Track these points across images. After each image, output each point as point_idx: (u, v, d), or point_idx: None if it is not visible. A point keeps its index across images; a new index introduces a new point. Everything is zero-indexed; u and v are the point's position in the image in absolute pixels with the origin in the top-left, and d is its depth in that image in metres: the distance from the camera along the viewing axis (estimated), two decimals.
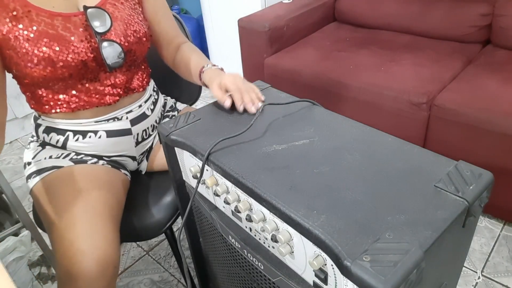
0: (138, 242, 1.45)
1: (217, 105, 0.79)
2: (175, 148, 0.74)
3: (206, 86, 0.85)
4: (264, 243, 0.61)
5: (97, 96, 0.83)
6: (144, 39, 0.85)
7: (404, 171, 0.56)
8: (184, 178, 0.78)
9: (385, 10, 1.82)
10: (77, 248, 0.71)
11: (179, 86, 1.16)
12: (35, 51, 0.72)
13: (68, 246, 0.72)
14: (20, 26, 0.71)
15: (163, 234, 0.96)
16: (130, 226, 0.89)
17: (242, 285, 0.74)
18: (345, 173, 0.57)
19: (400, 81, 1.41)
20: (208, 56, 2.51)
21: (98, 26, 0.77)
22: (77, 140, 0.87)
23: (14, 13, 0.70)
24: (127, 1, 0.84)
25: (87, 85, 0.81)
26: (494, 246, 1.31)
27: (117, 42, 0.80)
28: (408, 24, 1.77)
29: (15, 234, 1.18)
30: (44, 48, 0.72)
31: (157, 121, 0.99)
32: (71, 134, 0.86)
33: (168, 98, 1.07)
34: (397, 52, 1.62)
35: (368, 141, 0.63)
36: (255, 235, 0.62)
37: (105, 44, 0.78)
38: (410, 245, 0.45)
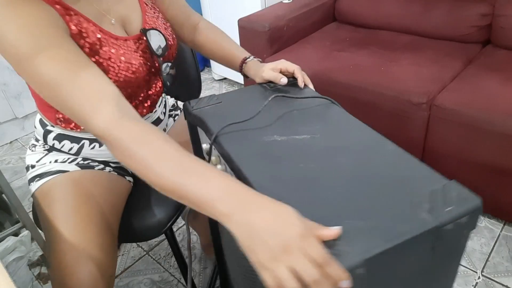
0: (138, 242, 1.45)
1: (241, 92, 0.81)
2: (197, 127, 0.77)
3: (244, 74, 0.90)
4: None
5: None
6: (175, 40, 0.86)
7: (389, 180, 0.55)
8: (204, 155, 0.81)
9: (385, 10, 1.82)
10: (71, 259, 0.70)
11: (178, 84, 1.15)
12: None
13: (62, 257, 0.71)
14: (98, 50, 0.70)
15: (163, 234, 0.96)
16: (130, 227, 0.89)
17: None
18: (329, 173, 0.57)
19: (400, 81, 1.41)
20: None
21: (157, 48, 0.79)
22: (93, 148, 0.85)
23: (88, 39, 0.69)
24: (155, 10, 0.84)
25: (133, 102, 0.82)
26: (494, 246, 1.31)
27: (171, 62, 0.83)
28: (408, 24, 1.77)
29: (15, 234, 1.18)
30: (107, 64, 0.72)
31: (167, 124, 0.99)
32: (87, 142, 0.84)
33: (168, 97, 1.06)
34: (397, 52, 1.62)
35: (368, 146, 0.62)
36: None
37: (164, 65, 0.81)
38: (350, 248, 0.45)
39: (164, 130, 0.97)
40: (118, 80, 0.73)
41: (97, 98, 0.57)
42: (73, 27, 0.66)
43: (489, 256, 1.28)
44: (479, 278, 1.21)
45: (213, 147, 0.68)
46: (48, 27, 0.60)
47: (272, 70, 0.82)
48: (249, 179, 0.57)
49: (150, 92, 0.84)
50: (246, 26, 1.75)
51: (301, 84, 0.81)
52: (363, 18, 1.90)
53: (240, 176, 0.60)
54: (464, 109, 1.25)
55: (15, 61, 0.58)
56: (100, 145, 0.85)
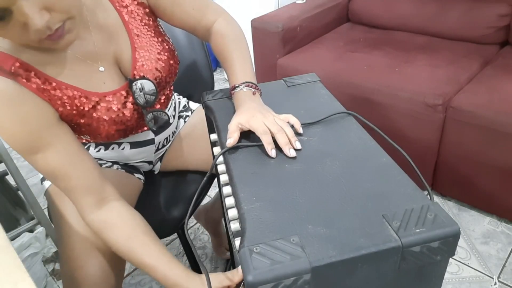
0: None
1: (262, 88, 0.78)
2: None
3: None
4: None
5: (138, 130, 0.85)
6: (172, 61, 0.81)
7: (369, 192, 0.53)
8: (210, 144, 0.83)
9: (400, 11, 1.80)
10: (81, 252, 0.72)
11: (191, 84, 1.16)
12: (94, 131, 0.75)
13: (72, 250, 0.72)
14: (80, 120, 0.72)
15: (175, 233, 0.97)
16: None
17: None
18: (311, 176, 0.57)
19: (415, 82, 1.39)
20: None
21: (144, 97, 0.77)
22: (98, 151, 0.87)
23: (74, 106, 0.70)
24: (149, 30, 0.78)
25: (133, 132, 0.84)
26: (511, 251, 1.28)
27: (162, 111, 0.82)
28: (424, 25, 1.74)
29: (30, 230, 1.20)
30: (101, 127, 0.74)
31: (176, 127, 0.99)
32: (92, 144, 0.86)
33: (181, 97, 1.06)
34: (412, 53, 1.60)
35: (361, 155, 0.61)
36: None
37: (150, 115, 0.80)
38: (302, 253, 0.45)
39: (174, 133, 0.97)
40: (109, 133, 0.75)
41: (80, 193, 0.68)
42: (60, 109, 0.69)
43: (506, 261, 1.25)
44: (495, 284, 1.18)
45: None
46: (42, 128, 0.64)
47: (238, 124, 0.66)
48: (232, 171, 0.60)
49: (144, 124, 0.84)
50: (259, 27, 1.75)
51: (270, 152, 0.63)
52: (377, 18, 1.88)
53: (227, 167, 0.62)
54: (481, 111, 1.23)
55: (16, 150, 0.65)
56: (106, 149, 0.86)
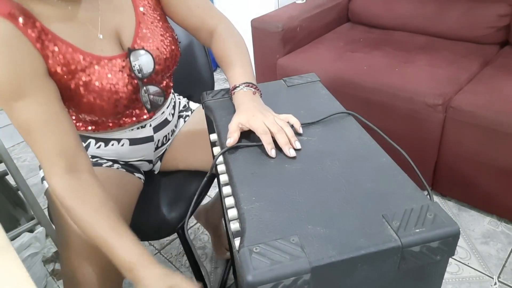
0: (149, 241, 1.46)
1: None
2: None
3: None
4: None
5: (133, 118, 0.85)
6: (174, 47, 0.82)
7: (368, 192, 0.53)
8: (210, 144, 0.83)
9: (400, 11, 1.80)
10: (81, 252, 0.71)
11: (191, 84, 1.16)
12: (84, 98, 0.73)
13: (72, 250, 0.72)
14: (73, 76, 0.70)
15: (175, 233, 0.97)
16: (142, 226, 0.89)
17: None
18: (311, 176, 0.57)
19: (415, 82, 1.39)
20: None
21: (141, 69, 0.76)
22: (98, 147, 0.87)
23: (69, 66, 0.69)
24: (154, 13, 0.80)
25: (127, 112, 0.82)
26: (511, 251, 1.28)
27: (159, 87, 0.81)
28: (424, 25, 1.74)
29: (30, 230, 1.20)
30: (93, 94, 0.73)
31: (176, 126, 0.99)
32: (93, 141, 0.86)
33: (181, 97, 1.06)
34: (412, 53, 1.60)
35: (361, 156, 0.61)
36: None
37: (145, 88, 0.79)
38: (302, 253, 0.45)
39: (173, 131, 0.97)
40: (98, 103, 0.73)
41: (50, 154, 0.65)
42: (50, 61, 0.67)
43: (506, 261, 1.25)
44: (495, 284, 1.18)
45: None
46: (28, 76, 0.63)
47: (238, 124, 0.66)
48: (232, 171, 0.60)
49: (139, 106, 0.83)
50: (259, 27, 1.75)
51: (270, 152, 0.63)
52: (377, 18, 1.88)
53: (227, 167, 0.62)
54: (481, 111, 1.23)
55: None
56: (106, 145, 0.86)
